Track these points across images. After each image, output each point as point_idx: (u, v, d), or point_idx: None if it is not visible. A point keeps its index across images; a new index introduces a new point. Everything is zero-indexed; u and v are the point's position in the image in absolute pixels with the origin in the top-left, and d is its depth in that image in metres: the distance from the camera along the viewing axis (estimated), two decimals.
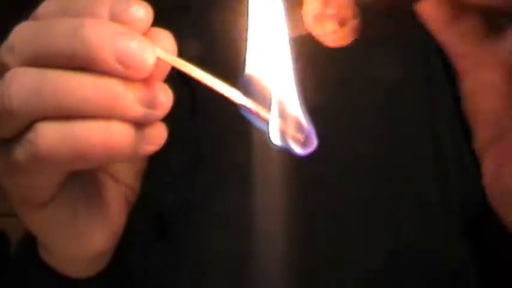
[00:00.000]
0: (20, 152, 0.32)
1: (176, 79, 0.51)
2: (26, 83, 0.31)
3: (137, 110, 0.31)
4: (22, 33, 0.33)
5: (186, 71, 0.32)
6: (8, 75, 0.32)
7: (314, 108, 0.36)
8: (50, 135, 0.31)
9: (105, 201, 0.43)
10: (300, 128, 0.34)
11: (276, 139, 0.33)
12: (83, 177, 0.41)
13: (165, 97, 0.32)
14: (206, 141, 0.63)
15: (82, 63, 0.30)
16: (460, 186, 0.56)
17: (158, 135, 0.34)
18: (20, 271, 0.51)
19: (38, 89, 0.31)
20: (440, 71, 0.59)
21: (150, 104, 0.32)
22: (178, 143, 0.61)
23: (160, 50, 0.32)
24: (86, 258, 0.46)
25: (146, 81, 0.31)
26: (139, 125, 0.32)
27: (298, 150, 0.34)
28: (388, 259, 0.55)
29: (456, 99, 0.45)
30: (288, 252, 0.54)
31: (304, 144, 0.34)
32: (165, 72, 0.33)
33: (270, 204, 0.56)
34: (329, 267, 0.55)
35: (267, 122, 0.33)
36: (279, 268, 0.54)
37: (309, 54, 0.44)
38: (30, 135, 0.31)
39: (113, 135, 0.31)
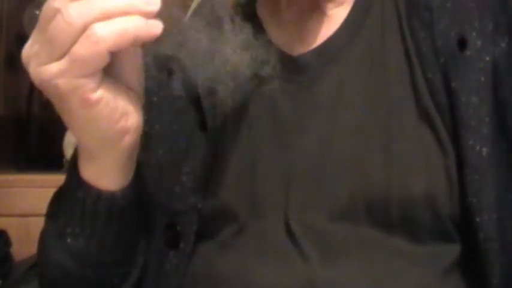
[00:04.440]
0: (81, 47, 0.47)
1: (185, 98, 0.67)
2: (78, 4, 0.47)
3: (145, 8, 0.49)
4: None
5: None
6: (62, 6, 0.47)
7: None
8: (104, 28, 0.47)
9: (129, 91, 0.55)
10: None
11: None
12: (110, 77, 0.53)
13: (155, 2, 0.49)
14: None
15: None
16: None
17: (157, 24, 0.49)
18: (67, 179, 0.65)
19: (89, 2, 0.47)
20: None
21: (148, 5, 0.49)
22: (189, 156, 0.67)
23: None
24: (122, 149, 0.56)
25: None
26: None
27: None
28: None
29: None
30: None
31: None
32: None
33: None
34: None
35: None
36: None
37: None
38: (89, 33, 0.47)
39: (139, 21, 0.48)
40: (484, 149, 0.59)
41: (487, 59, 0.60)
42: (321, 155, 0.64)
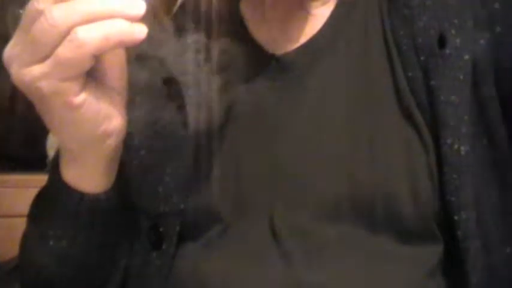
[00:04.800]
0: (64, 50, 0.47)
1: (168, 101, 0.66)
2: (61, 6, 0.46)
3: (129, 11, 0.48)
4: None
5: None
6: (46, 8, 0.46)
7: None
8: (88, 31, 0.46)
9: (113, 93, 0.55)
10: None
11: None
12: (93, 79, 0.53)
13: (140, 5, 0.49)
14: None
15: None
16: None
17: (141, 28, 0.49)
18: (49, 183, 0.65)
19: (73, 5, 0.46)
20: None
21: (133, 9, 0.48)
22: (172, 158, 0.67)
23: None
24: (105, 152, 0.57)
25: None
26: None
27: None
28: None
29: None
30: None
31: None
32: None
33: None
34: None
35: None
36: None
37: None
38: (73, 36, 0.46)
39: (123, 25, 0.48)
40: (463, 148, 0.59)
41: (467, 57, 0.61)
42: (305, 154, 0.65)
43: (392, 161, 0.62)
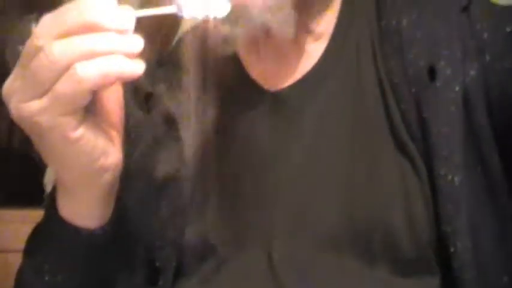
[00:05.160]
0: (63, 86, 0.47)
1: (165, 135, 0.67)
2: (61, 42, 0.47)
3: (128, 48, 0.49)
4: (45, 22, 0.48)
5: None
6: (45, 44, 0.47)
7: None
8: (87, 67, 0.47)
9: (110, 128, 0.56)
10: None
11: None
12: (91, 114, 0.53)
13: (138, 42, 0.49)
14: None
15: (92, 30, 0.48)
16: None
17: (139, 64, 0.49)
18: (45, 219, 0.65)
19: (72, 41, 0.47)
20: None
21: (131, 45, 0.49)
22: (168, 191, 0.67)
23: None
24: (102, 186, 0.56)
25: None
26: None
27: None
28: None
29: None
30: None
31: None
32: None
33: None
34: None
35: None
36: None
37: None
38: (72, 72, 0.47)
39: (122, 61, 0.48)
40: (457, 178, 0.60)
41: (457, 88, 0.61)
42: (302, 187, 0.65)
43: (388, 191, 0.62)
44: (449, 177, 0.60)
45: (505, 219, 0.62)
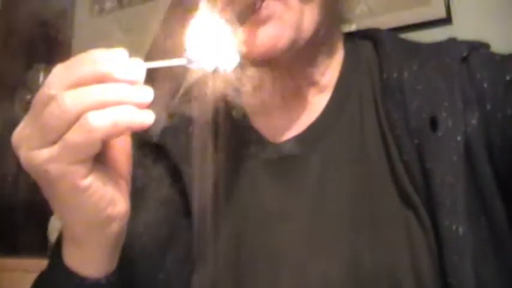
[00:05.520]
0: (74, 135, 0.48)
1: (170, 185, 0.68)
2: (73, 92, 0.48)
3: (138, 98, 0.49)
4: (57, 72, 0.49)
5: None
6: (57, 93, 0.48)
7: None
8: (98, 117, 0.47)
9: (118, 178, 0.56)
10: None
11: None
12: (100, 163, 0.54)
13: (149, 92, 0.50)
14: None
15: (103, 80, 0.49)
16: None
17: (149, 114, 0.50)
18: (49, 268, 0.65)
19: (84, 91, 0.48)
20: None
21: (141, 96, 0.49)
22: (173, 245, 0.67)
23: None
24: (108, 236, 0.56)
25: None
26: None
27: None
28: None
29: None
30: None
31: None
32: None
33: None
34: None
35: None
36: None
37: None
38: (83, 121, 0.47)
39: (132, 112, 0.49)
40: (461, 229, 0.59)
41: (459, 138, 0.62)
42: (307, 240, 0.65)
43: (393, 243, 0.62)
44: (454, 227, 0.60)
45: (510, 270, 0.62)
